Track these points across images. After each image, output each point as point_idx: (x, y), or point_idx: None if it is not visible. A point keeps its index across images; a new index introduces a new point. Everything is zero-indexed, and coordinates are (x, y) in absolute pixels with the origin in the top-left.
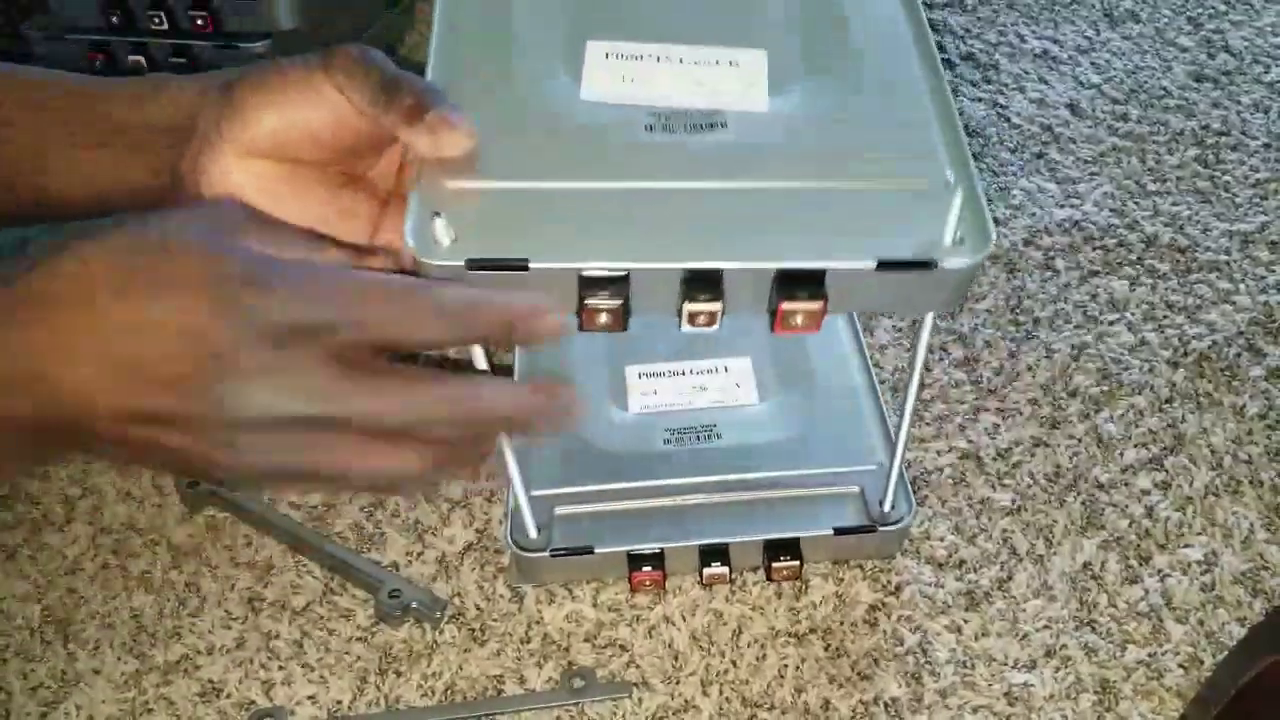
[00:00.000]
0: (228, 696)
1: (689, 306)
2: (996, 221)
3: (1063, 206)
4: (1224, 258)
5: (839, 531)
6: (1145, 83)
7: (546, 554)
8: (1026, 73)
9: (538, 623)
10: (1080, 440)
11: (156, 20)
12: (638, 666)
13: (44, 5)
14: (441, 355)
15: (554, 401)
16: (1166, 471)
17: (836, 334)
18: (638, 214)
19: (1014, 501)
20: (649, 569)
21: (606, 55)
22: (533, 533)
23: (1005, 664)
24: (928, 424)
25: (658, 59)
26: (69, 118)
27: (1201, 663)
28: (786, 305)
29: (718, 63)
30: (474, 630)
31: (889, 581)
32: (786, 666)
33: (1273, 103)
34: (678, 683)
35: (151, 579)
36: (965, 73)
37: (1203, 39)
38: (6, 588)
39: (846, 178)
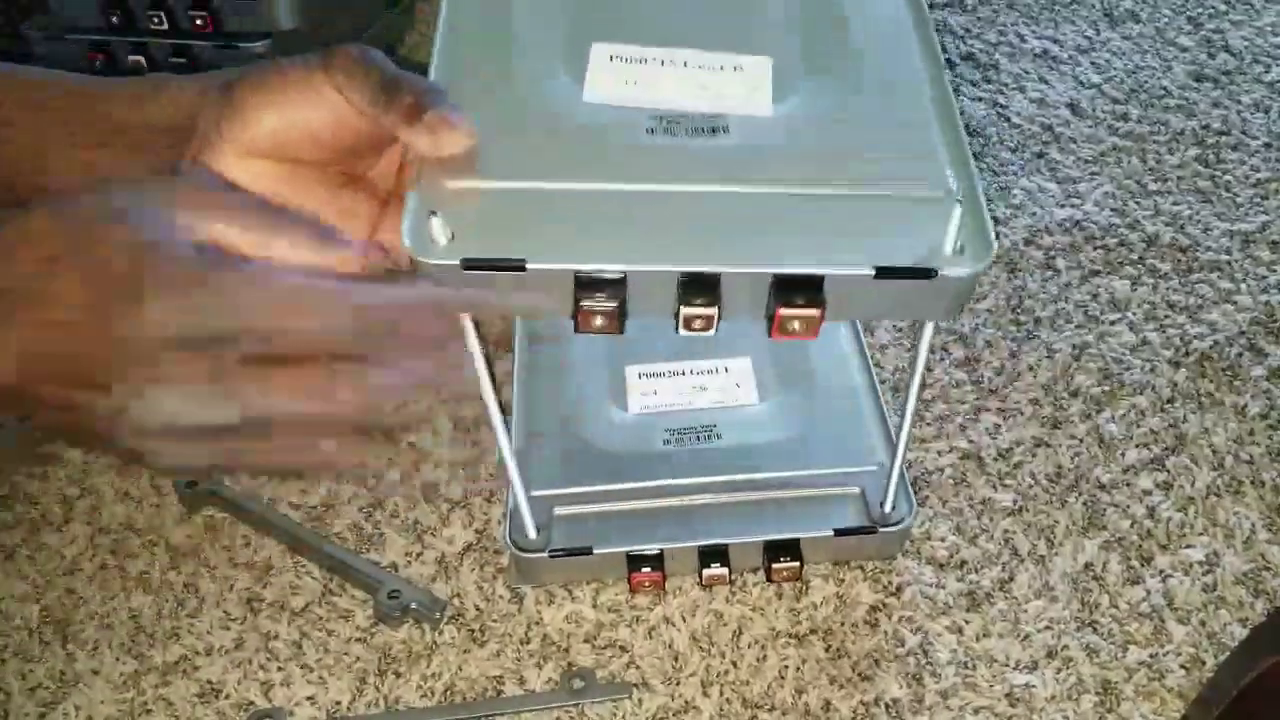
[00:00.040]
0: (226, 697)
1: (685, 310)
2: (997, 221)
3: (1063, 206)
4: (1225, 257)
5: (839, 532)
6: (1146, 82)
7: (546, 554)
8: (1027, 72)
9: (537, 623)
10: (1082, 440)
11: (156, 20)
12: (638, 667)
13: (44, 5)
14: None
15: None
16: (1168, 472)
17: (837, 334)
18: (636, 216)
19: (1015, 502)
20: (649, 570)
21: (611, 58)
22: (532, 533)
23: (1007, 665)
24: (928, 424)
25: (662, 62)
26: (69, 118)
27: (1203, 663)
28: (784, 311)
29: (722, 67)
30: (473, 631)
31: (890, 582)
32: (787, 667)
33: (1273, 102)
34: (678, 684)
35: (150, 579)
36: (965, 72)
37: (1203, 39)
38: (5, 588)
39: (848, 184)
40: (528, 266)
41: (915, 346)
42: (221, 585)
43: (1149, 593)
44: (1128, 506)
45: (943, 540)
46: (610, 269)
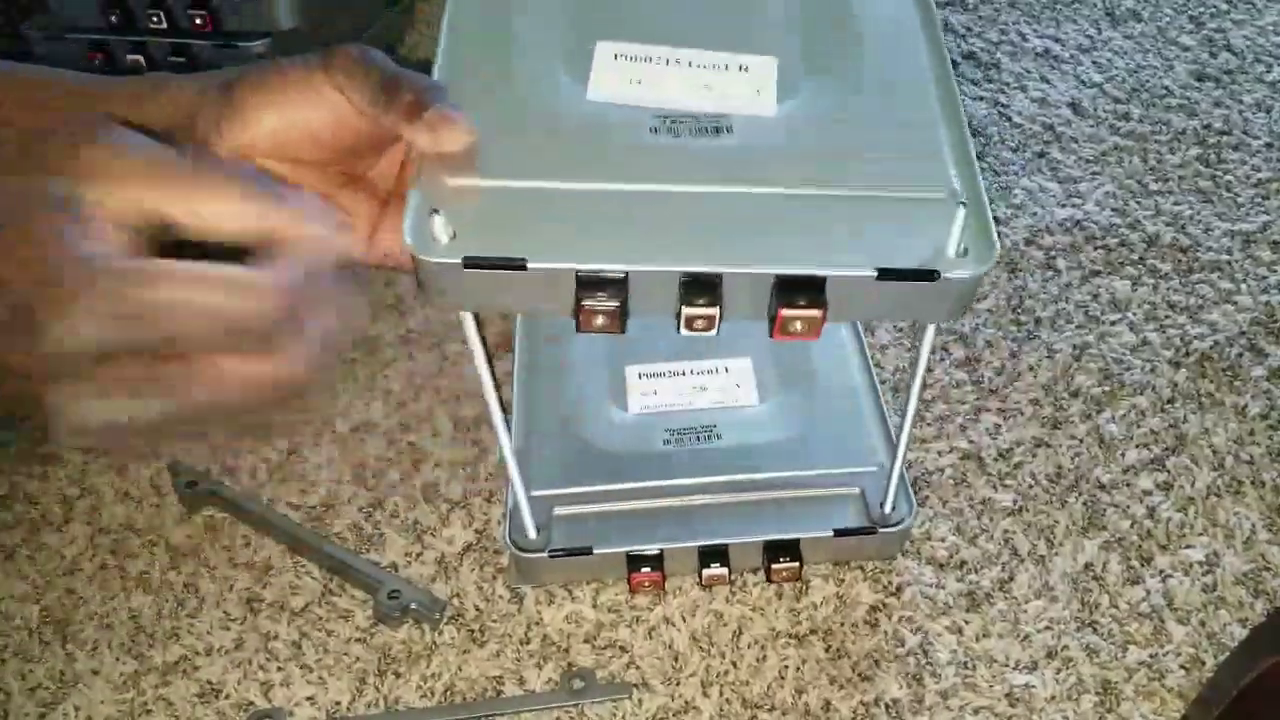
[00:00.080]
0: (226, 697)
1: (687, 310)
2: (998, 221)
3: (1064, 206)
4: (1226, 257)
5: (839, 533)
6: (1147, 82)
7: (546, 554)
8: (1028, 72)
9: (537, 624)
10: (1082, 440)
11: (156, 20)
12: (638, 667)
13: (44, 5)
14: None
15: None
16: (1168, 472)
17: (837, 334)
18: (638, 216)
19: (1015, 502)
20: (648, 570)
21: (615, 56)
22: (532, 533)
23: (1006, 665)
24: (929, 424)
25: (666, 62)
26: (69, 117)
27: (1203, 663)
28: (786, 312)
29: (727, 67)
30: (473, 631)
31: (890, 582)
32: (787, 668)
33: (1275, 102)
34: (678, 684)
35: (150, 579)
36: (967, 72)
37: (1204, 38)
38: (5, 588)
39: (851, 185)
40: (529, 265)
41: (916, 347)
42: (221, 585)
43: (1149, 593)
44: (1128, 507)
45: (943, 540)
46: (612, 269)
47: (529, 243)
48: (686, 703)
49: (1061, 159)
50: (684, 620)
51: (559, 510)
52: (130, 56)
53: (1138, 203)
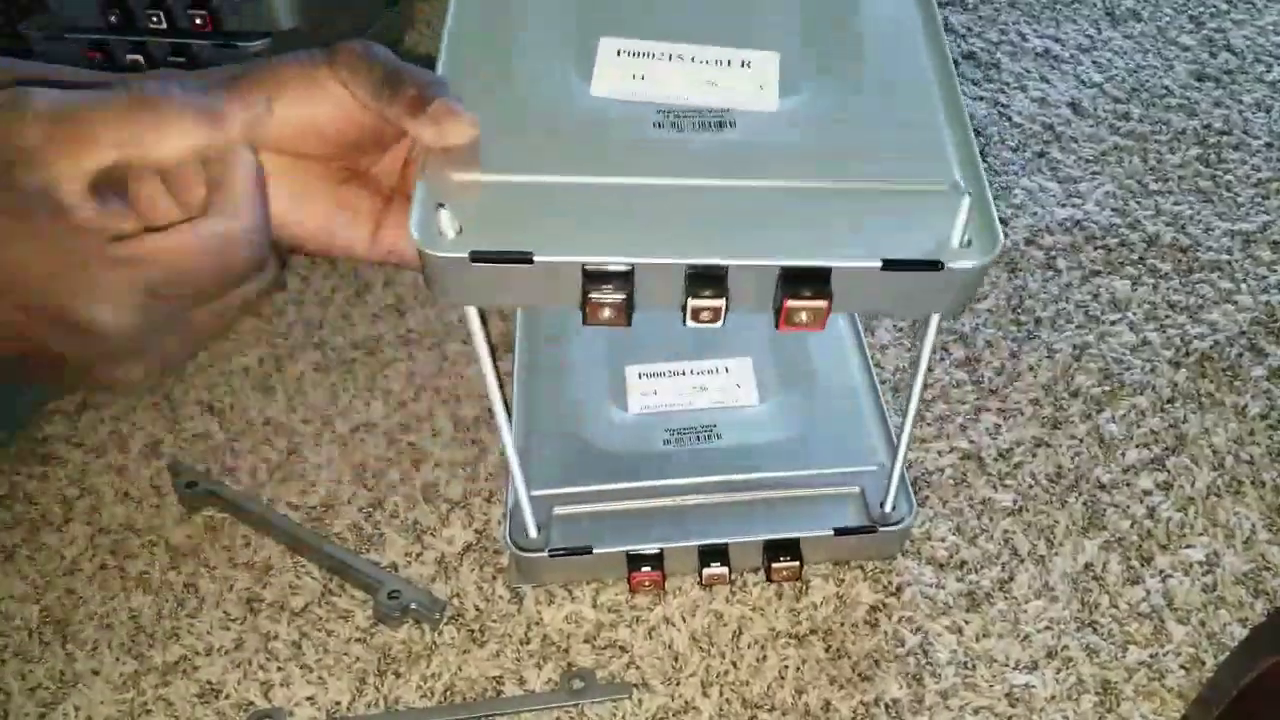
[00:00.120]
0: (226, 697)
1: (693, 302)
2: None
3: (1064, 206)
4: (1226, 257)
5: (839, 532)
6: (1147, 82)
7: (546, 554)
8: (1028, 71)
9: (537, 624)
10: (1082, 440)
11: (155, 19)
12: (637, 667)
13: (43, 4)
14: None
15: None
16: (1168, 472)
17: (838, 334)
18: (643, 209)
19: (1015, 502)
20: (648, 569)
21: (619, 52)
22: (532, 532)
23: (1006, 665)
24: (929, 424)
25: (670, 58)
26: None
27: (1203, 663)
28: (791, 303)
29: (730, 63)
30: (473, 631)
31: (890, 582)
32: (787, 668)
33: (1274, 102)
34: (678, 684)
35: (150, 580)
36: (967, 71)
37: (1204, 38)
38: (5, 588)
39: (855, 177)
40: (536, 259)
41: (918, 343)
42: (221, 585)
43: (1149, 593)
44: (1128, 506)
45: (943, 540)
46: (618, 262)
47: (535, 237)
48: (686, 703)
49: (1061, 159)
50: (684, 620)
51: (559, 510)
52: (130, 56)
53: (1138, 203)
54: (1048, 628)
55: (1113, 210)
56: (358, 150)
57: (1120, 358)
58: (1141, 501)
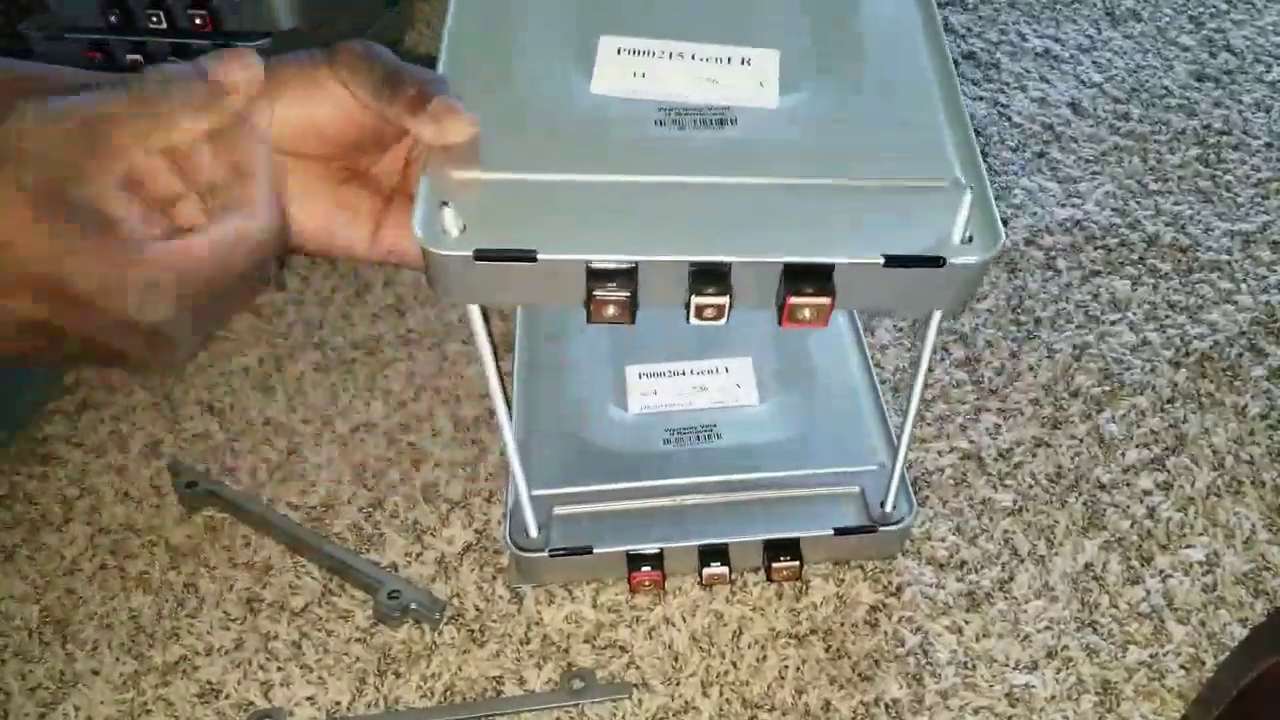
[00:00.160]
0: (226, 697)
1: (697, 299)
2: None
3: (1064, 206)
4: (1225, 257)
5: (839, 532)
6: (1147, 82)
7: (546, 554)
8: (1028, 71)
9: (537, 624)
10: (1082, 440)
11: (155, 19)
12: (637, 667)
13: (43, 5)
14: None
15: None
16: (1168, 472)
17: (838, 334)
18: (646, 207)
19: (1015, 502)
20: (648, 569)
21: (619, 50)
22: (532, 532)
23: (1006, 665)
24: (929, 424)
25: (670, 55)
26: None
27: (1203, 663)
28: (794, 299)
29: (730, 60)
30: (473, 631)
31: (890, 582)
32: (787, 668)
33: (1274, 102)
34: (678, 684)
35: (150, 580)
36: (966, 71)
37: (1204, 38)
38: (5, 588)
39: (856, 175)
40: (539, 257)
41: (918, 343)
42: (221, 585)
43: (1149, 593)
44: (1128, 507)
45: (943, 540)
46: (622, 259)
47: (538, 235)
48: (686, 703)
49: (1061, 159)
50: (684, 620)
51: (559, 510)
52: (130, 56)
53: (1138, 203)
54: (1048, 628)
55: (1113, 210)
56: (357, 150)
57: (1120, 358)
58: (1141, 501)
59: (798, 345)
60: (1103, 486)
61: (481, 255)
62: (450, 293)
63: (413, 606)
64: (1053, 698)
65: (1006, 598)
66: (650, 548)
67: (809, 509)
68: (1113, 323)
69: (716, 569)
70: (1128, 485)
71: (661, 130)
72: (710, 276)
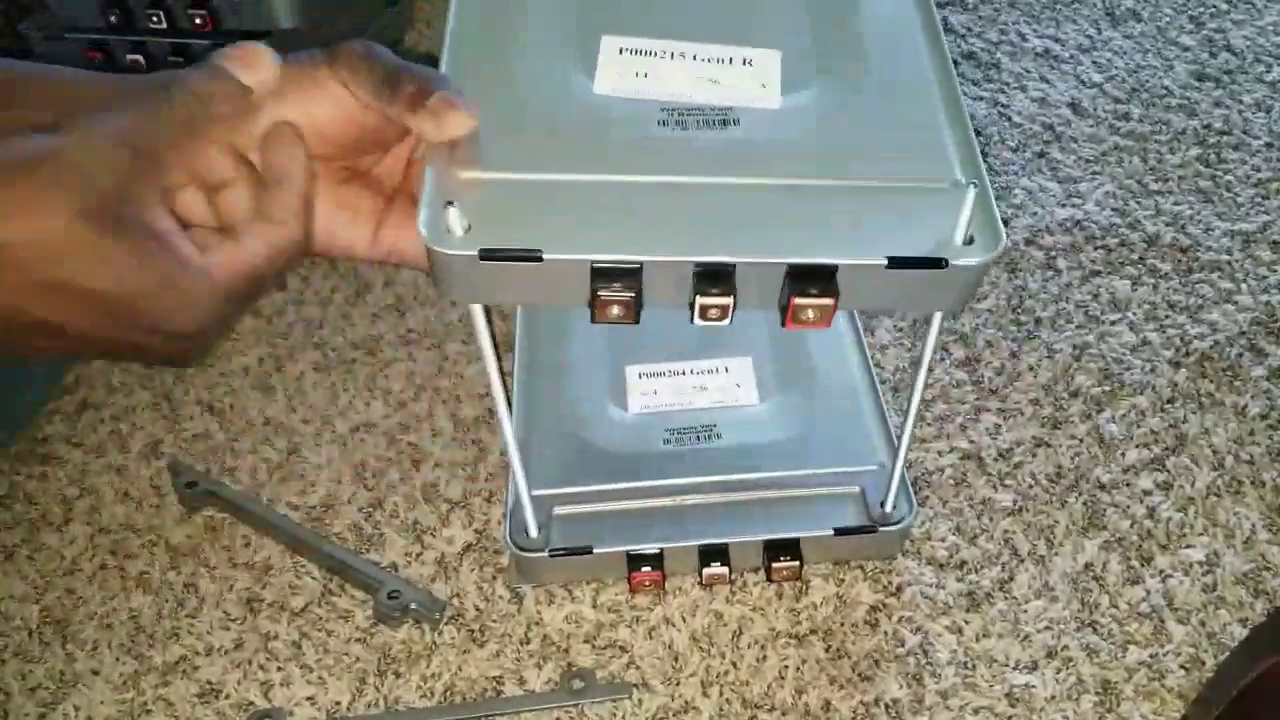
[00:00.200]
0: (226, 697)
1: (701, 300)
2: None
3: (1064, 206)
4: (1226, 257)
5: (839, 532)
6: (1147, 82)
7: (546, 554)
8: (1028, 71)
9: (537, 624)
10: (1082, 440)
11: (155, 19)
12: (637, 667)
13: (44, 5)
14: (436, 345)
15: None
16: (1168, 472)
17: (838, 334)
18: (650, 207)
19: (1015, 502)
20: (648, 569)
21: (621, 51)
22: (532, 532)
23: (1007, 665)
24: (929, 424)
25: (672, 56)
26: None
27: (1203, 663)
28: (798, 300)
29: (731, 61)
30: (473, 631)
31: (890, 582)
32: (787, 668)
33: (1274, 102)
34: (678, 684)
35: (150, 580)
36: (967, 71)
37: (1204, 38)
38: (5, 588)
39: (858, 176)
40: (544, 257)
41: (919, 343)
42: (221, 585)
43: (1149, 593)
44: (1128, 507)
45: (943, 540)
46: (627, 259)
47: (543, 235)
48: (686, 703)
49: (1061, 159)
50: (684, 620)
51: (559, 510)
52: (130, 56)
53: (1138, 203)
54: (1048, 628)
55: (1113, 210)
56: (358, 150)
57: (1120, 358)
58: (1141, 501)
59: (798, 345)
60: (1103, 486)
61: (487, 255)
62: (454, 292)
63: (413, 606)
64: (1053, 698)
65: (1006, 598)
66: (650, 548)
67: (809, 509)
68: (1113, 323)
69: (716, 569)
70: (1128, 485)
71: (664, 130)
72: (715, 277)
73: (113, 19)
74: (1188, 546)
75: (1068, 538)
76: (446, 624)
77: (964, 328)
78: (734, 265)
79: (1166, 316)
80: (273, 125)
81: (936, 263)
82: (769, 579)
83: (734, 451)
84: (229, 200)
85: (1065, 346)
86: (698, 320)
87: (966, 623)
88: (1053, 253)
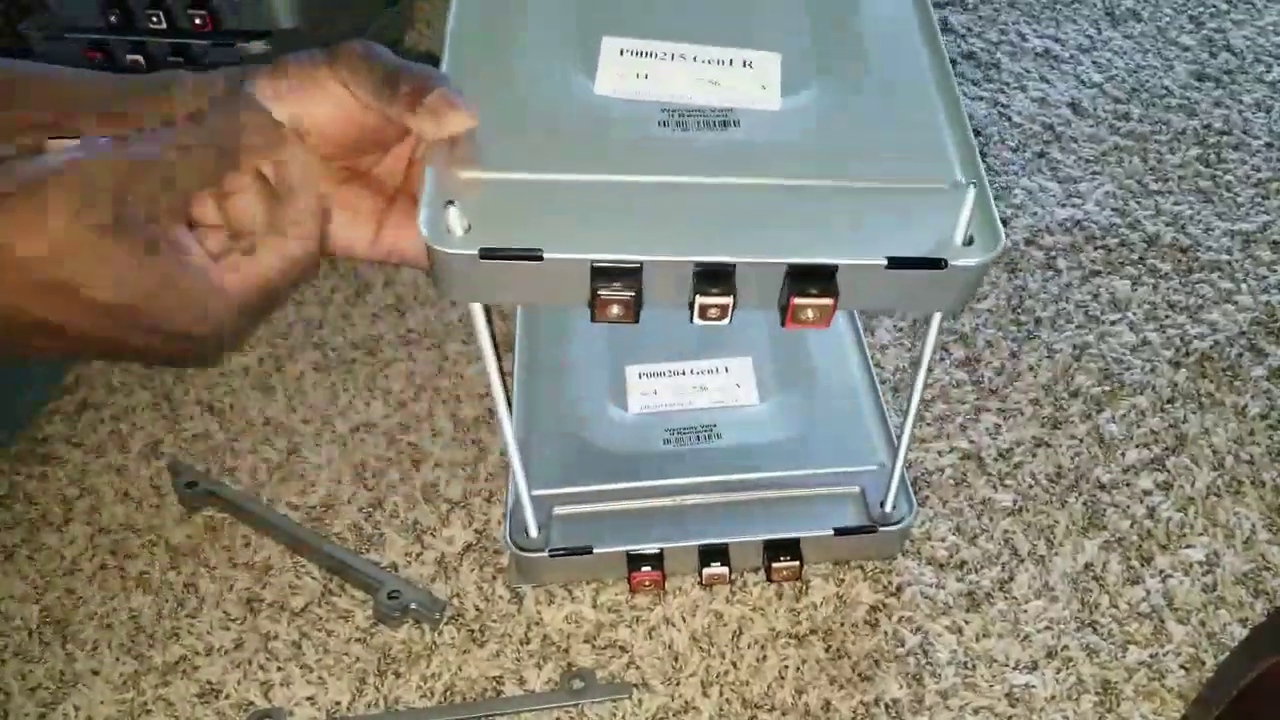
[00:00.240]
0: (226, 697)
1: (701, 299)
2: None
3: (1064, 206)
4: (1226, 257)
5: (839, 532)
6: (1147, 82)
7: (546, 554)
8: (1028, 71)
9: (537, 624)
10: (1082, 440)
11: (155, 19)
12: (637, 667)
13: (44, 5)
14: (434, 344)
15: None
16: (1168, 472)
17: (838, 334)
18: (650, 207)
19: (1015, 502)
20: (648, 569)
21: (621, 52)
22: (532, 532)
23: (1006, 665)
24: (929, 424)
25: (672, 57)
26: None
27: (1203, 663)
28: (798, 300)
29: (732, 63)
30: (473, 631)
31: (890, 582)
32: (787, 668)
33: (1274, 102)
34: (678, 684)
35: (150, 580)
36: (966, 71)
37: (1204, 38)
38: (5, 588)
39: (858, 177)
40: (545, 256)
41: (919, 343)
42: (221, 585)
43: (1149, 593)
44: (1128, 507)
45: (943, 540)
46: (627, 259)
47: (543, 234)
48: (686, 703)
49: (1061, 159)
50: (684, 620)
51: (559, 510)
52: (130, 56)
53: (1138, 203)
54: (1048, 628)
55: (1113, 210)
56: (359, 150)
57: (1120, 358)
58: (1141, 501)
59: (798, 345)
60: (1103, 486)
61: (487, 254)
62: (454, 292)
63: (413, 606)
64: (1053, 698)
65: (1006, 598)
66: (650, 548)
67: (809, 509)
68: (1113, 323)
69: (716, 569)
70: (1128, 485)
71: (664, 131)
72: (714, 277)
73: (113, 19)
74: (1188, 546)
75: (1068, 538)
76: (446, 624)
77: (964, 328)
78: (734, 265)
79: (1166, 316)
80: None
81: (936, 263)
82: (769, 579)
83: (734, 451)
84: (238, 205)
85: (1065, 346)
86: (697, 320)
87: (966, 623)
88: (1053, 253)
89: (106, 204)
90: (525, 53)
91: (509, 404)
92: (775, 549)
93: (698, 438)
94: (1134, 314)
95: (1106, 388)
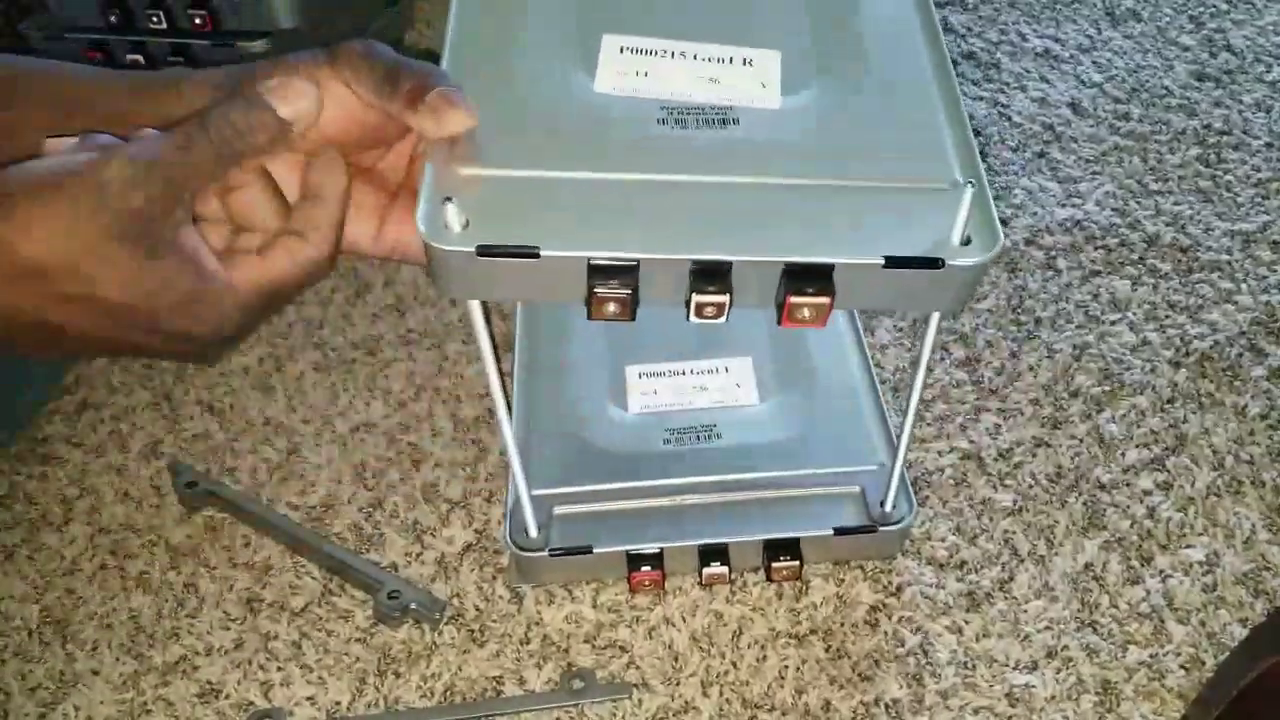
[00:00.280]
0: (226, 697)
1: (697, 298)
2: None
3: (1064, 206)
4: (1226, 257)
5: (839, 532)
6: (1147, 82)
7: (545, 554)
8: (1028, 71)
9: (537, 624)
10: (1082, 440)
11: (155, 19)
12: (637, 667)
13: (44, 5)
14: (435, 344)
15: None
16: (1168, 472)
17: (837, 334)
18: (648, 205)
19: (1015, 502)
20: (648, 569)
21: (621, 49)
22: (532, 532)
23: (1006, 665)
24: (929, 424)
25: (672, 55)
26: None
27: (1203, 663)
28: (794, 299)
29: (732, 61)
30: (473, 631)
31: (890, 582)
32: (787, 668)
33: (1274, 102)
34: (678, 684)
35: (150, 580)
36: (967, 71)
37: (1204, 38)
38: (5, 588)
39: (856, 176)
40: (542, 253)
41: (918, 342)
42: (221, 585)
43: (1149, 593)
44: (1128, 507)
45: (943, 540)
46: (624, 256)
47: (541, 231)
48: (686, 703)
49: (1061, 159)
50: (684, 620)
51: (559, 509)
52: (130, 56)
53: (1138, 203)
54: (1048, 628)
55: (1113, 210)
56: (361, 148)
57: (1120, 358)
58: (1141, 501)
59: (798, 345)
60: (1103, 486)
61: (484, 251)
62: (452, 288)
63: (413, 606)
64: (1053, 698)
65: (1006, 598)
66: (650, 547)
67: (809, 509)
68: (1113, 323)
69: (716, 569)
70: (1128, 485)
71: (664, 129)
72: (711, 275)
73: (113, 19)
74: (1188, 546)
75: (1068, 538)
76: (446, 624)
77: (964, 328)
78: (730, 263)
79: (1166, 316)
80: (320, 147)
81: (933, 263)
82: (769, 579)
83: (734, 451)
84: (241, 200)
85: (1065, 346)
86: (693, 318)
87: (966, 623)
88: (1053, 253)
89: (107, 205)
90: (525, 50)
91: (509, 404)
92: (775, 549)
93: (698, 438)
94: (1134, 314)
95: (1106, 388)
